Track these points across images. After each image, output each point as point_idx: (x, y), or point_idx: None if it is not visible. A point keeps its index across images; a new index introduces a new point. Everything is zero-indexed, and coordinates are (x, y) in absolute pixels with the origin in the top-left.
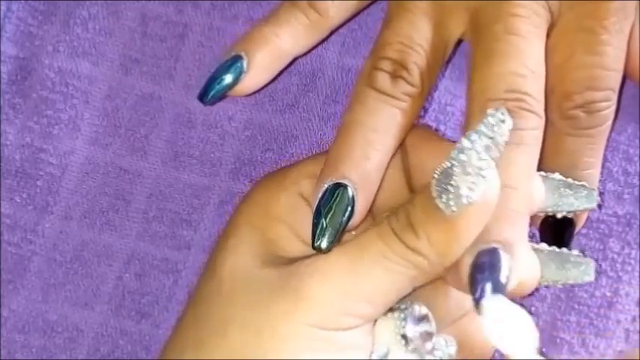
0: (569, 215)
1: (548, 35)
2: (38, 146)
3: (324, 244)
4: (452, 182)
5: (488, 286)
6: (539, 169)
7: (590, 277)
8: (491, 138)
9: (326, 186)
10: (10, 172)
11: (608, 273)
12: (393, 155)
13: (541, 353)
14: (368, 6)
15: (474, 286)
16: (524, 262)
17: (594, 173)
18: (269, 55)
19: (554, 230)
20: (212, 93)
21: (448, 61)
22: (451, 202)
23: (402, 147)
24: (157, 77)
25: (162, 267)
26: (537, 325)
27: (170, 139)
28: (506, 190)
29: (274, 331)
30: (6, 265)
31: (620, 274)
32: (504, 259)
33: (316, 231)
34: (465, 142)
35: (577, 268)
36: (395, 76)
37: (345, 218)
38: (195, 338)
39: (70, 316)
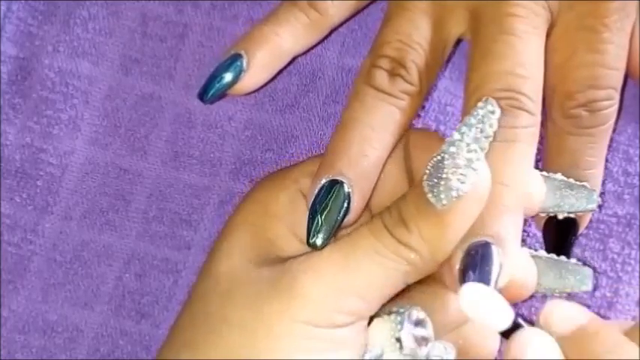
0: (572, 216)
1: (548, 35)
2: (38, 146)
3: (319, 241)
4: (442, 175)
5: (470, 275)
6: (541, 168)
7: (588, 286)
8: (480, 129)
9: (322, 182)
10: (10, 172)
11: (608, 273)
12: (391, 153)
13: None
14: (368, 5)
15: (463, 280)
16: (515, 259)
17: (596, 173)
18: (269, 54)
19: (558, 232)
20: (212, 92)
21: (448, 61)
22: (442, 196)
23: (404, 148)
24: (157, 77)
25: (162, 267)
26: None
27: (170, 139)
28: (499, 187)
29: (268, 330)
30: (6, 265)
31: (620, 274)
32: (495, 253)
33: (311, 227)
34: (455, 135)
35: (575, 276)
36: (393, 74)
37: (340, 215)
38: (191, 338)
39: (70, 316)
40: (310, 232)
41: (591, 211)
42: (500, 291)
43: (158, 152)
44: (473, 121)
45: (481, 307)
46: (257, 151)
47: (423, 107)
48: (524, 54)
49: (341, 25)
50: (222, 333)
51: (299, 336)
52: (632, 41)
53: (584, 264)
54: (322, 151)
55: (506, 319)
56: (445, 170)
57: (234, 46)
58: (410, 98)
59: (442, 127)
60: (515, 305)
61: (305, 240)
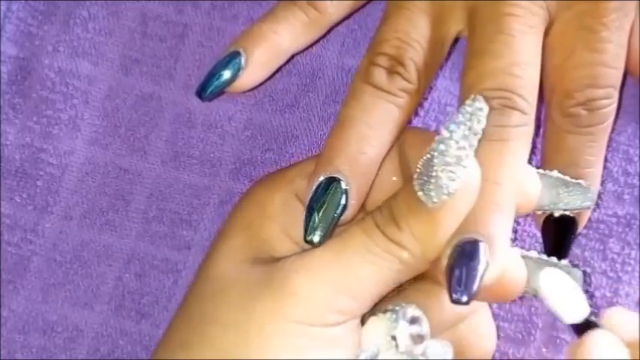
0: (571, 215)
1: (546, 34)
2: (38, 146)
3: (316, 238)
4: (432, 173)
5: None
6: (537, 166)
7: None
8: (469, 127)
9: (320, 179)
10: (10, 172)
11: (608, 273)
12: (389, 152)
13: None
14: (366, 4)
15: (450, 275)
16: (504, 257)
17: (595, 171)
18: (267, 52)
19: (557, 231)
20: (210, 89)
21: (447, 61)
22: (432, 194)
23: (398, 145)
24: (157, 77)
25: (162, 267)
26: (537, 325)
27: (170, 139)
28: (490, 185)
29: (261, 329)
30: (6, 265)
31: (620, 274)
32: (482, 251)
33: (309, 224)
34: (444, 133)
35: None
36: (391, 71)
37: (337, 212)
38: (186, 339)
39: (70, 316)
40: (307, 229)
41: (587, 208)
42: (488, 289)
43: (158, 152)
44: (461, 118)
45: (559, 293)
46: (257, 151)
47: (423, 107)
48: (520, 53)
49: (340, 24)
50: (216, 333)
51: (291, 335)
52: (631, 40)
53: (577, 265)
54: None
55: (581, 313)
56: (435, 168)
57: (233, 44)
58: (408, 96)
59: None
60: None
61: (298, 241)
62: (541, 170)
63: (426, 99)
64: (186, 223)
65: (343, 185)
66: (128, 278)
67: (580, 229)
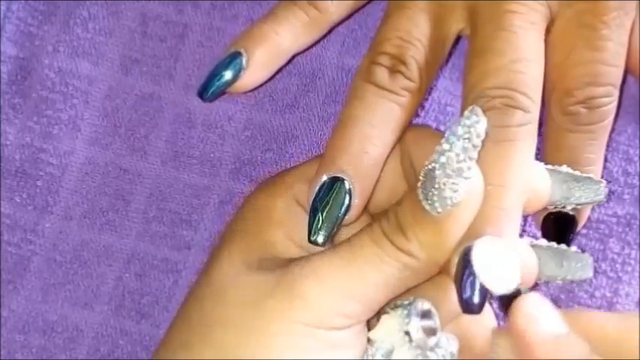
0: (571, 213)
1: (547, 32)
2: (38, 146)
3: (320, 238)
4: (435, 185)
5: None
6: (545, 162)
7: (588, 273)
8: (468, 139)
9: (323, 179)
10: (10, 172)
11: (608, 273)
12: (391, 151)
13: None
14: (367, 4)
15: (459, 283)
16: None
17: (595, 170)
18: (268, 52)
19: (556, 229)
20: (212, 89)
21: (448, 61)
22: (436, 204)
23: (401, 144)
24: (157, 77)
25: (162, 267)
26: None
27: (170, 139)
28: (495, 189)
29: (265, 328)
30: (6, 265)
31: (620, 274)
32: None
33: (312, 225)
34: (444, 145)
35: (575, 264)
36: (393, 70)
37: (341, 212)
38: (186, 339)
39: (70, 316)
40: (311, 229)
41: (599, 202)
42: None
43: (158, 152)
44: (460, 131)
45: (489, 263)
46: (257, 151)
47: (423, 107)
48: (521, 50)
49: (340, 23)
50: (217, 333)
51: (296, 335)
52: (631, 38)
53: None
54: (322, 151)
55: (510, 283)
56: (437, 180)
57: (234, 44)
58: (410, 95)
59: (442, 127)
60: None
61: (302, 244)
62: (550, 166)
63: (426, 99)
64: (186, 223)
65: (347, 185)
66: (128, 278)
67: (579, 227)
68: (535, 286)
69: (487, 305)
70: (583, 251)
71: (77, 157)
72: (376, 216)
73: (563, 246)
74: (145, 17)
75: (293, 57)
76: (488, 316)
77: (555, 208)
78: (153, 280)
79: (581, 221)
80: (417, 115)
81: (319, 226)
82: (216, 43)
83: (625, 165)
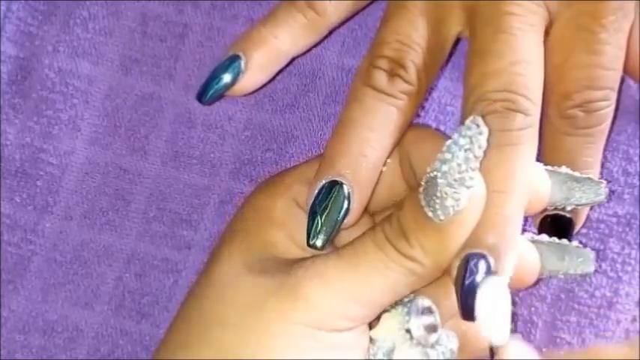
0: (568, 215)
1: (546, 34)
2: (38, 146)
3: (319, 242)
4: (437, 193)
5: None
6: (545, 163)
7: (590, 268)
8: (470, 149)
9: (322, 183)
10: (10, 172)
11: (608, 273)
12: (390, 153)
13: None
14: (367, 6)
15: (460, 290)
16: (512, 265)
17: (593, 173)
18: (267, 55)
19: (554, 231)
20: (210, 93)
21: (448, 61)
22: (439, 212)
23: (400, 145)
24: (157, 77)
25: (162, 267)
26: (537, 325)
27: (170, 139)
28: (497, 196)
29: (266, 328)
30: (6, 265)
31: (620, 274)
32: (491, 264)
33: (311, 228)
34: (446, 154)
35: (577, 258)
36: (392, 74)
37: (340, 216)
38: (185, 339)
39: (70, 316)
40: (310, 233)
41: (600, 202)
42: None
43: (158, 152)
44: (462, 142)
45: (492, 312)
46: (257, 151)
47: (423, 107)
48: (521, 51)
49: (340, 25)
50: (216, 332)
51: (297, 335)
52: (630, 41)
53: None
54: (322, 151)
55: (505, 335)
56: (439, 189)
57: (233, 48)
58: (409, 98)
59: (442, 127)
60: (514, 304)
61: (303, 246)
62: (549, 167)
63: (426, 99)
64: (187, 223)
65: (345, 189)
66: (128, 278)
67: (577, 229)
68: (536, 283)
69: None
70: (585, 246)
71: (77, 157)
72: (376, 215)
73: (564, 241)
74: (145, 17)
75: (292, 59)
76: None
77: (555, 209)
78: (153, 280)
79: (579, 223)
80: (417, 116)
81: (318, 229)
82: (216, 43)
83: (625, 165)
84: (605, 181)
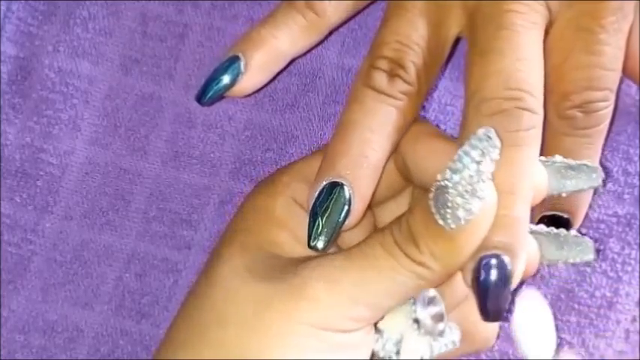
0: (566, 216)
1: (546, 34)
2: (38, 146)
3: (320, 244)
4: (448, 203)
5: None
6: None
7: (590, 255)
8: (481, 162)
9: (323, 185)
10: (10, 172)
11: (608, 273)
12: (392, 153)
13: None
14: (367, 6)
15: (477, 292)
16: (524, 263)
17: None
18: (266, 56)
19: None
20: (210, 94)
21: (448, 61)
22: (449, 221)
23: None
24: (157, 77)
25: (162, 267)
26: None
27: (170, 139)
28: (507, 197)
29: (267, 328)
30: (6, 265)
31: (620, 274)
32: (506, 263)
33: (312, 230)
34: (457, 164)
35: (576, 247)
36: (392, 74)
37: (341, 217)
38: (185, 338)
39: (70, 316)
40: (311, 235)
41: (597, 187)
42: None
43: (158, 152)
44: (474, 154)
45: (530, 326)
46: (257, 151)
47: (423, 107)
48: (523, 48)
49: (340, 25)
50: (216, 332)
51: (302, 335)
52: (630, 42)
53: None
54: (314, 152)
55: (549, 350)
56: (450, 198)
57: (232, 49)
58: (409, 99)
59: (442, 127)
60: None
61: (305, 244)
62: (542, 158)
63: (426, 99)
64: (187, 223)
65: (346, 190)
66: (128, 278)
67: (574, 228)
68: (536, 274)
69: None
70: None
71: (77, 157)
72: (377, 212)
73: (562, 230)
74: (145, 17)
75: (292, 60)
76: None
77: (553, 208)
78: (153, 280)
79: (576, 223)
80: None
81: (319, 231)
82: (216, 43)
83: (625, 165)
84: (600, 167)
